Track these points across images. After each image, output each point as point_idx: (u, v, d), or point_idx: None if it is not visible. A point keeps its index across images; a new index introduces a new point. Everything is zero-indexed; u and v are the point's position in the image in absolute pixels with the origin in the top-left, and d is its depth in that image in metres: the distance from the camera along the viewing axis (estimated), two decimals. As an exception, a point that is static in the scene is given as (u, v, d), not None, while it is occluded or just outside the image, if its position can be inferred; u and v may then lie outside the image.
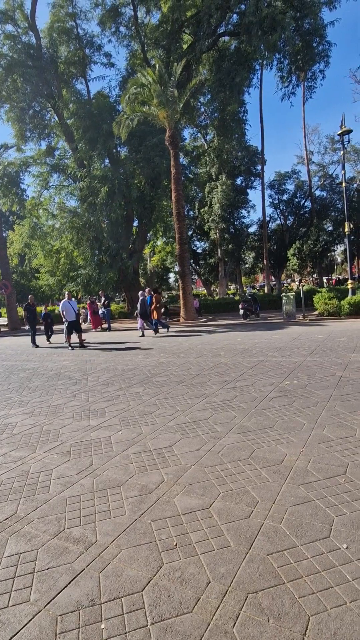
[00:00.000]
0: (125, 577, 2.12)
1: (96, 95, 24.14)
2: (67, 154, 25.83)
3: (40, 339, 15.14)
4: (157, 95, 16.89)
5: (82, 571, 2.19)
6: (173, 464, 3.45)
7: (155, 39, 21.28)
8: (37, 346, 13.86)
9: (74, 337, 13.22)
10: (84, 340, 13.16)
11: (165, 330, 15.53)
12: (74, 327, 12.60)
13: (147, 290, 15.42)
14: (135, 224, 27.02)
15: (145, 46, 22.25)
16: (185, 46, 21.34)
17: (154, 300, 14.92)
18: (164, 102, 17.02)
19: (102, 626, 1.82)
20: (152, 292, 15.37)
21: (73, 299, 13.52)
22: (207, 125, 30.39)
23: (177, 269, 22.53)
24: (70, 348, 12.43)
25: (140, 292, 15.73)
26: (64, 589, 2.07)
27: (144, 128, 21.14)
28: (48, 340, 15.08)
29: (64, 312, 12.57)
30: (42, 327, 15.41)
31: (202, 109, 28.31)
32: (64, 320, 12.63)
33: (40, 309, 17.43)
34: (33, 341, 14.08)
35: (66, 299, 12.80)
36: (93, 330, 19.24)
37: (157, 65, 17.66)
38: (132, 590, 2.03)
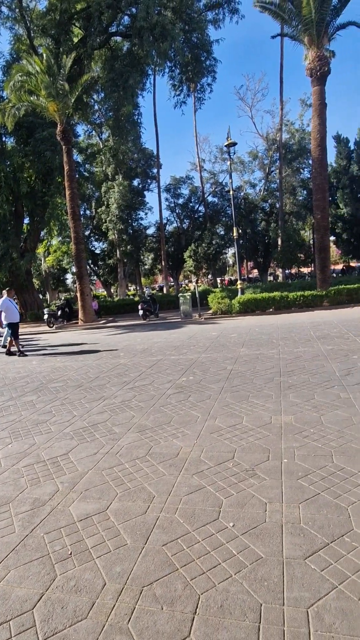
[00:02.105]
0: (14, 598, 1.99)
1: (-25, 77, 21.84)
2: None
3: None
4: (45, 86, 16.04)
5: None
6: (69, 471, 3.33)
7: (42, 26, 20.12)
8: None
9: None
10: (22, 346, 11.31)
11: None
12: (15, 330, 10.59)
13: None
14: (27, 221, 25.24)
15: (31, 32, 20.88)
16: (76, 39, 20.67)
17: None
18: (53, 95, 16.25)
19: (-13, 657, 1.68)
20: None
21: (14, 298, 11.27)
22: (101, 124, 29.91)
23: (74, 269, 21.70)
24: (19, 354, 10.46)
25: None
26: None
27: (32, 119, 19.87)
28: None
29: (3, 313, 10.42)
30: None
31: (97, 107, 27.75)
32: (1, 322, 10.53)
33: None
34: None
35: (5, 296, 10.64)
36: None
37: (44, 55, 16.77)
38: (22, 610, 1.91)
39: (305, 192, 30.08)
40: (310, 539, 2.21)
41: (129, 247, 30.60)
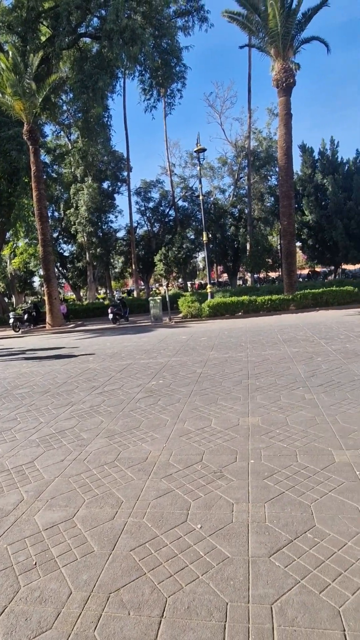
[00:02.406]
0: (-25, 613, 1.91)
1: None
2: None
3: None
4: (11, 84, 15.65)
5: None
6: (34, 479, 3.25)
7: (8, 23, 19.59)
8: None
9: None
10: None
11: None
12: None
13: None
14: (-9, 222, 24.41)
15: (-4, 28, 20.30)
16: (43, 38, 20.29)
17: None
18: (19, 93, 15.88)
19: None
20: None
21: None
22: (70, 125, 29.45)
23: (41, 272, 21.17)
24: None
25: None
26: None
27: (-3, 117, 19.28)
28: None
29: None
30: None
31: (65, 107, 27.30)
32: None
33: None
34: None
35: None
36: None
37: (10, 52, 16.37)
38: (-17, 625, 1.84)
39: (272, 198, 30.86)
40: (275, 537, 2.27)
41: (98, 250, 30.23)
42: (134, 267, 30.71)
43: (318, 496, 2.64)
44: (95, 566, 2.17)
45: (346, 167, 25.65)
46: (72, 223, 29.16)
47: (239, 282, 39.54)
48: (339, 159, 25.99)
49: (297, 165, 26.94)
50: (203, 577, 2.02)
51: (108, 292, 41.06)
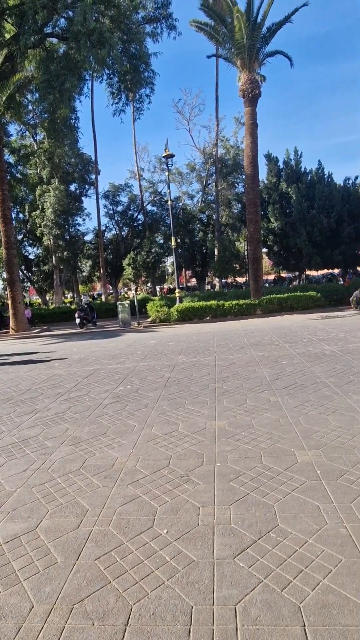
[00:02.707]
0: None
1: None
2: None
3: None
4: (-26, 81, 15.10)
5: None
6: (-5, 491, 3.13)
7: (-30, 18, 18.97)
8: None
9: None
10: None
11: None
12: None
13: None
14: None
15: None
16: (7, 35, 19.78)
17: None
18: (-17, 91, 15.35)
19: None
20: None
21: None
22: (36, 125, 28.81)
23: (5, 275, 20.49)
24: None
25: None
26: None
27: None
28: None
29: None
30: None
31: (31, 107, 26.67)
32: None
33: None
34: None
35: None
36: None
37: (-27, 48, 15.80)
38: None
39: (239, 205, 31.53)
40: (240, 538, 2.31)
41: (65, 253, 29.62)
42: (102, 271, 30.34)
43: (281, 496, 2.71)
44: (59, 577, 2.12)
45: (309, 177, 26.64)
46: (38, 225, 28.43)
47: (208, 287, 40.01)
48: (303, 169, 26.97)
49: (263, 174, 27.62)
50: (168, 582, 2.03)
51: (75, 296, 40.27)
